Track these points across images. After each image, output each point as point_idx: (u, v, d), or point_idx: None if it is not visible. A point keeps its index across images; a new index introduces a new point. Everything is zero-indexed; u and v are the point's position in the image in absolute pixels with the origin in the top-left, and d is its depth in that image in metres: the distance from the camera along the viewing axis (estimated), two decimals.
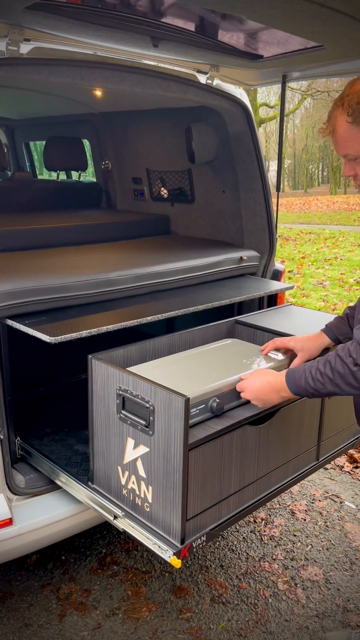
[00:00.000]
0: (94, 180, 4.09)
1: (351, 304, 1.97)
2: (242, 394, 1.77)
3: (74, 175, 4.15)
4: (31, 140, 4.61)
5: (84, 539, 2.64)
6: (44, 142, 3.79)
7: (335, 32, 2.06)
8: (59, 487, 2.10)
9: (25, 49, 1.96)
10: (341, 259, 9.84)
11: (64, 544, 2.60)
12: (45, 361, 2.86)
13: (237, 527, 2.75)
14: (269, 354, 2.04)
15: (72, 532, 2.10)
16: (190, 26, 2.18)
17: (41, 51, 2.02)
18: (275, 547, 2.63)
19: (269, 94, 29.03)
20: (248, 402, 1.84)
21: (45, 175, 4.86)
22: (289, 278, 8.33)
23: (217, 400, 1.77)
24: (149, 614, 2.22)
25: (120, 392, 1.73)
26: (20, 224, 2.97)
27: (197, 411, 1.74)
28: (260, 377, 1.72)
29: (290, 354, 2.03)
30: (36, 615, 2.21)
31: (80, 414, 1.95)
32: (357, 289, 7.52)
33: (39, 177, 4.89)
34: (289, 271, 8.85)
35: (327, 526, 2.80)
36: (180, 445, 1.57)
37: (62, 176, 4.10)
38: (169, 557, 1.62)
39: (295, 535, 2.72)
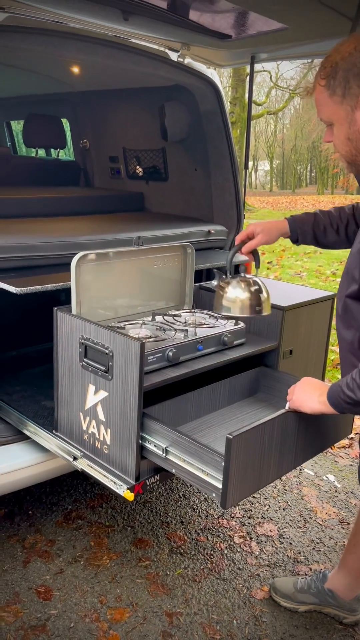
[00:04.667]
0: (73, 159, 4.18)
1: (325, 209, 1.91)
2: (288, 397, 1.65)
3: (53, 153, 4.24)
4: (12, 119, 4.68)
5: (51, 496, 2.75)
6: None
7: (296, 12, 2.18)
8: (25, 438, 2.20)
9: None
10: (320, 253, 10.03)
11: (32, 500, 2.71)
12: (18, 328, 2.96)
13: (198, 488, 2.87)
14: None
15: (36, 480, 2.21)
16: (162, 3, 2.29)
17: (15, 20, 2.12)
18: (234, 506, 2.76)
19: (258, 93, 29.17)
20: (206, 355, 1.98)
21: (26, 153, 4.92)
22: (268, 269, 8.49)
23: (174, 350, 1.89)
24: (110, 562, 2.34)
25: (83, 341, 1.84)
26: None
27: (154, 359, 1.86)
28: (308, 382, 1.62)
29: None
30: (1, 562, 2.31)
31: (49, 375, 2.06)
32: (333, 280, 7.70)
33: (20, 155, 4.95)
34: (268, 262, 9.01)
35: (285, 489, 2.94)
36: (136, 386, 1.68)
37: (42, 153, 4.19)
38: (123, 491, 1.74)
39: (254, 497, 2.85)
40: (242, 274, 1.91)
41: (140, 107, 3.39)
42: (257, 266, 1.94)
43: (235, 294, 1.85)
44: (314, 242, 1.87)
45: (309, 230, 1.85)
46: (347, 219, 1.85)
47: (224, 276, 1.90)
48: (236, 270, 1.94)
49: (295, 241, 1.88)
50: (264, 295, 1.88)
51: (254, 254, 1.92)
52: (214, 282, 1.89)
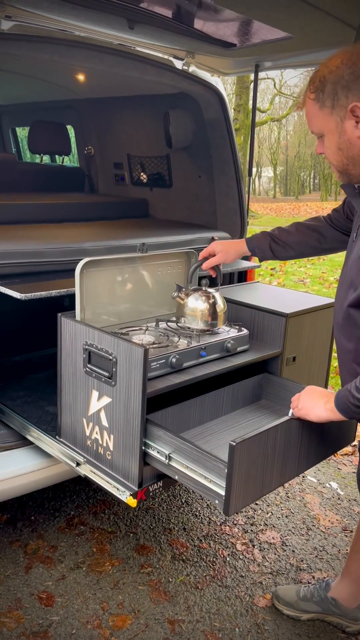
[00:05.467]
0: (77, 165, 4.20)
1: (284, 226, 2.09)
2: (292, 405, 1.65)
3: (58, 160, 4.27)
4: (17, 126, 4.72)
5: (54, 501, 2.75)
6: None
7: (300, 21, 2.20)
8: (28, 443, 2.21)
9: (6, 25, 2.07)
10: (324, 259, 10.04)
11: (34, 506, 2.71)
12: (22, 333, 2.97)
13: (201, 495, 2.87)
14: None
15: (39, 485, 2.21)
16: (166, 12, 2.31)
17: (22, 29, 2.14)
18: (236, 513, 2.75)
19: (262, 100, 29.26)
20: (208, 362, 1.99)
21: (31, 159, 4.95)
22: (271, 275, 8.49)
23: (177, 356, 1.89)
24: (112, 568, 2.33)
25: (87, 347, 1.84)
26: (3, 199, 3.08)
27: (158, 365, 1.86)
28: (313, 390, 1.62)
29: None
30: (3, 567, 2.31)
31: (53, 381, 2.07)
32: (336, 287, 7.69)
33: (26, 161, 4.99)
34: (271, 268, 9.02)
35: (288, 497, 2.93)
36: (140, 392, 1.68)
37: (46, 160, 4.22)
38: (126, 497, 1.74)
39: (256, 504, 2.84)
40: (204, 287, 2.10)
41: (145, 115, 3.41)
42: (219, 281, 2.16)
43: (194, 305, 2.06)
44: (273, 258, 2.07)
45: (267, 249, 2.04)
46: (310, 235, 2.00)
47: (183, 288, 2.11)
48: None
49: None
50: (219, 307, 2.07)
51: (216, 269, 2.14)
52: (174, 294, 2.10)
